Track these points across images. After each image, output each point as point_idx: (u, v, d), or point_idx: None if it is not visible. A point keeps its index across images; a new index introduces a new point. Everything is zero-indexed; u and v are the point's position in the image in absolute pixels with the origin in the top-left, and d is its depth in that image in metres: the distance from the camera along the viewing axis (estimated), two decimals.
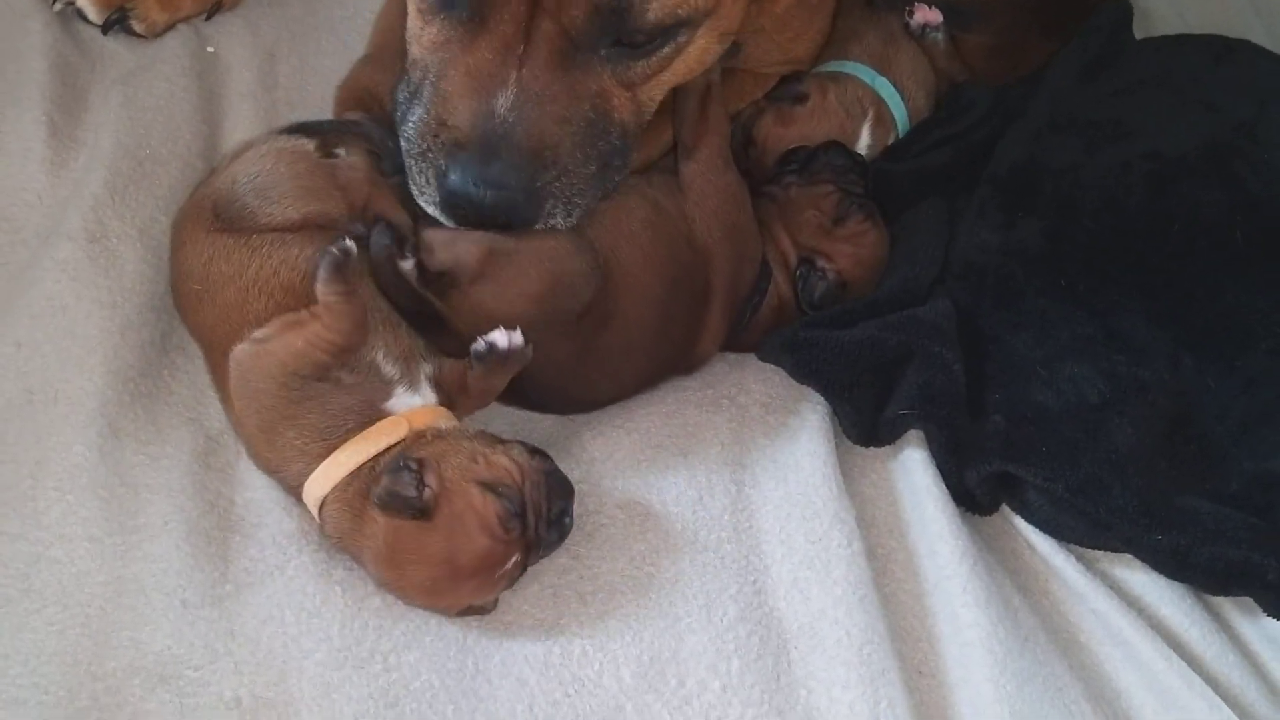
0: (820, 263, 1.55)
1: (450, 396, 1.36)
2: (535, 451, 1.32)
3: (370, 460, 1.26)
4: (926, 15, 1.74)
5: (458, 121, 1.24)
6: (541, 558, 1.32)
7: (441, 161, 1.26)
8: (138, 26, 1.64)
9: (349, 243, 1.23)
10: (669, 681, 1.30)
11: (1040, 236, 1.60)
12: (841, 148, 1.62)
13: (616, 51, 1.26)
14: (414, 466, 1.24)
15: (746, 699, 1.30)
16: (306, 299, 1.27)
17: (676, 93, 1.50)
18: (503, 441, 1.32)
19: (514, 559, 1.26)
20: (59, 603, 1.21)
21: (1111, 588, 1.46)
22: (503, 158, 1.23)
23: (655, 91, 1.38)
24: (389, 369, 1.31)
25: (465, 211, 1.28)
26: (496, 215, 1.27)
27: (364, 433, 1.27)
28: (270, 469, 1.33)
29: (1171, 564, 1.43)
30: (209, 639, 1.23)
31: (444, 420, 1.32)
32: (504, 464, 1.28)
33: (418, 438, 1.28)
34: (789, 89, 1.69)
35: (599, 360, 1.44)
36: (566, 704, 1.28)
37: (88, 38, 1.65)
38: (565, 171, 1.29)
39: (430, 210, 1.32)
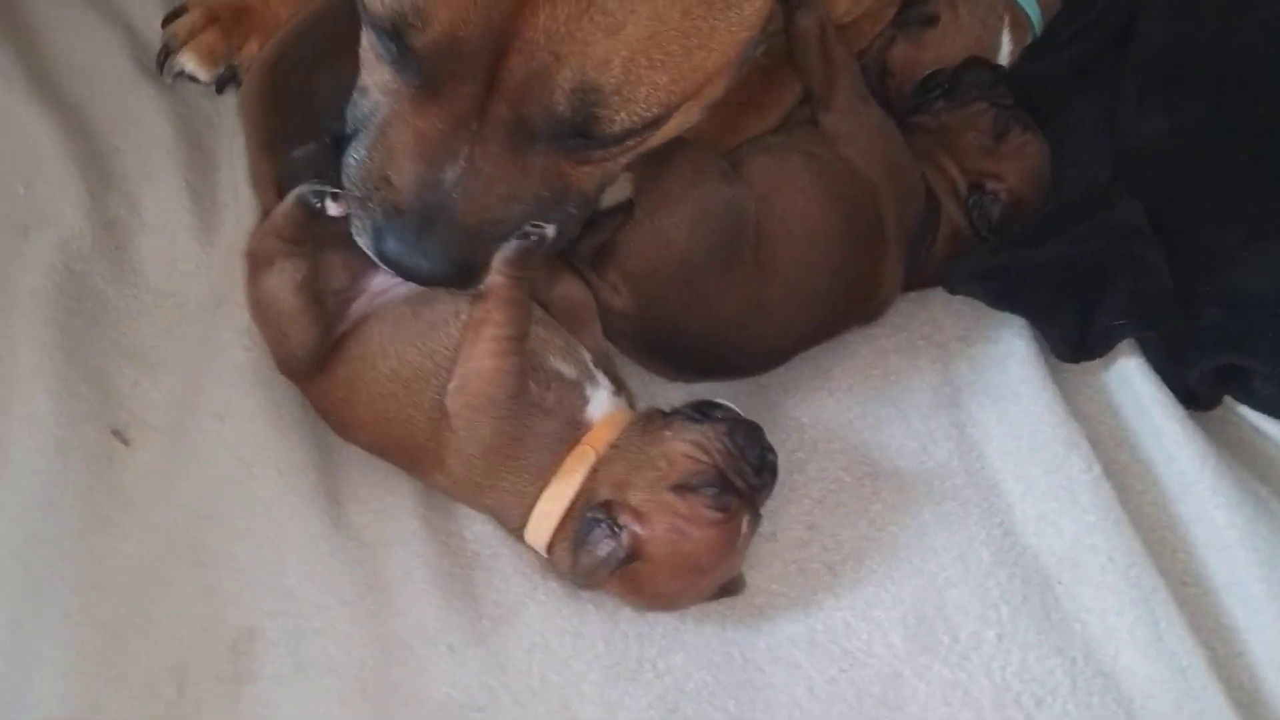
0: (990, 184, 1.49)
1: (607, 366, 1.33)
2: (701, 412, 1.28)
3: (575, 498, 1.24)
4: None
5: (400, 183, 1.15)
6: (766, 499, 1.28)
7: (379, 220, 1.18)
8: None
9: (549, 229, 1.18)
10: (941, 639, 1.28)
11: (1207, 115, 1.53)
12: (982, 63, 1.56)
13: (579, 141, 1.14)
14: (601, 516, 1.20)
15: (1024, 642, 1.27)
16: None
17: (793, 44, 1.44)
18: (667, 420, 1.28)
19: (745, 524, 1.23)
20: (333, 672, 1.20)
21: None
22: (439, 231, 1.15)
23: (625, 159, 1.25)
24: (567, 369, 1.28)
25: (398, 270, 1.21)
26: (428, 282, 1.21)
27: (559, 473, 1.24)
28: (488, 511, 1.31)
29: None
30: (483, 678, 1.22)
31: (619, 427, 1.27)
32: (683, 452, 1.24)
33: (603, 465, 1.25)
34: (916, 12, 1.62)
35: (774, 311, 1.39)
36: (844, 679, 1.26)
37: (194, 95, 1.62)
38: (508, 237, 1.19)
39: (365, 249, 1.23)
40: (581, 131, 1.11)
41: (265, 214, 1.42)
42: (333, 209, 1.21)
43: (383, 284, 1.30)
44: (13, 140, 1.48)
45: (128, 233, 1.45)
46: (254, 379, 1.34)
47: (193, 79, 1.59)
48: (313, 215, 1.22)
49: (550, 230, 1.19)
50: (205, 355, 1.38)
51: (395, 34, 1.08)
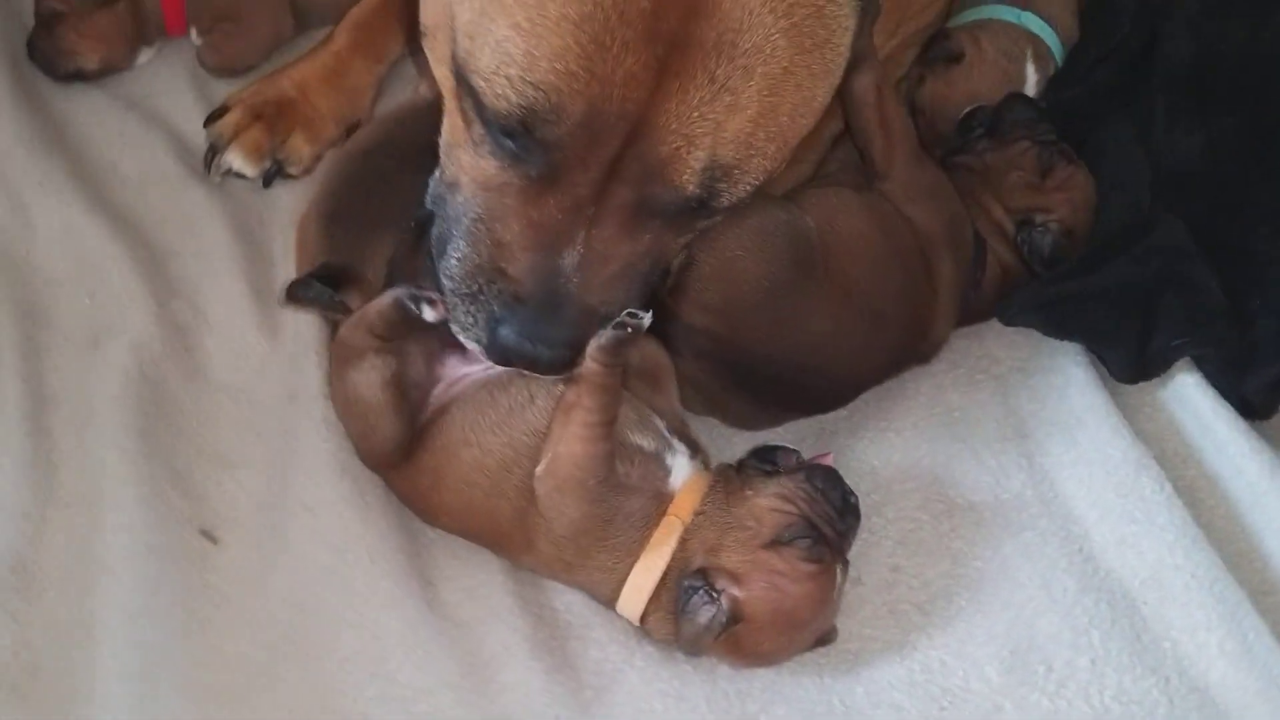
0: (1039, 218, 1.52)
1: (684, 434, 1.35)
2: (771, 461, 1.31)
3: (667, 568, 1.25)
4: None
5: (518, 273, 1.16)
6: (851, 543, 1.30)
7: (496, 309, 1.18)
8: (293, 170, 1.63)
9: (645, 319, 1.20)
10: (1037, 670, 1.30)
11: (1240, 127, 1.56)
12: (1023, 98, 1.59)
13: (694, 214, 1.17)
14: (699, 584, 1.22)
15: (1118, 665, 1.30)
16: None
17: (849, 107, 1.45)
18: (744, 477, 1.30)
19: (838, 573, 1.25)
20: None
21: None
22: (562, 316, 1.17)
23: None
24: (646, 442, 1.30)
25: (514, 362, 1.21)
26: (547, 370, 1.21)
27: (649, 547, 1.26)
28: (578, 587, 1.33)
29: None
30: None
31: (700, 492, 1.28)
32: (769, 507, 1.25)
33: (691, 532, 1.26)
34: (940, 49, 1.66)
35: (854, 331, 1.41)
36: (945, 718, 1.28)
37: (243, 191, 1.64)
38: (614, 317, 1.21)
39: (471, 347, 1.24)
40: (701, 206, 1.14)
41: (299, 258, 1.47)
42: (429, 314, 1.22)
43: (457, 372, 1.33)
44: (73, 252, 1.51)
45: (195, 334, 1.48)
46: (337, 469, 1.36)
47: (240, 175, 1.62)
48: (409, 318, 1.24)
49: (646, 320, 1.20)
50: (285, 449, 1.41)
51: (524, 129, 1.09)
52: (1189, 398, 1.47)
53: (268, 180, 1.63)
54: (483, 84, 1.08)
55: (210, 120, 1.64)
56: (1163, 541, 1.35)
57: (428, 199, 1.28)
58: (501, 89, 1.07)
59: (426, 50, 1.25)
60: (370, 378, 1.27)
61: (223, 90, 1.70)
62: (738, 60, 1.05)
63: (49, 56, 1.66)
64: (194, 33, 1.71)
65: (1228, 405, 1.45)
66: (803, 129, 1.16)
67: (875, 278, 1.40)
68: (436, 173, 1.27)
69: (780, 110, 1.10)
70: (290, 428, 1.41)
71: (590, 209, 1.13)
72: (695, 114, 1.06)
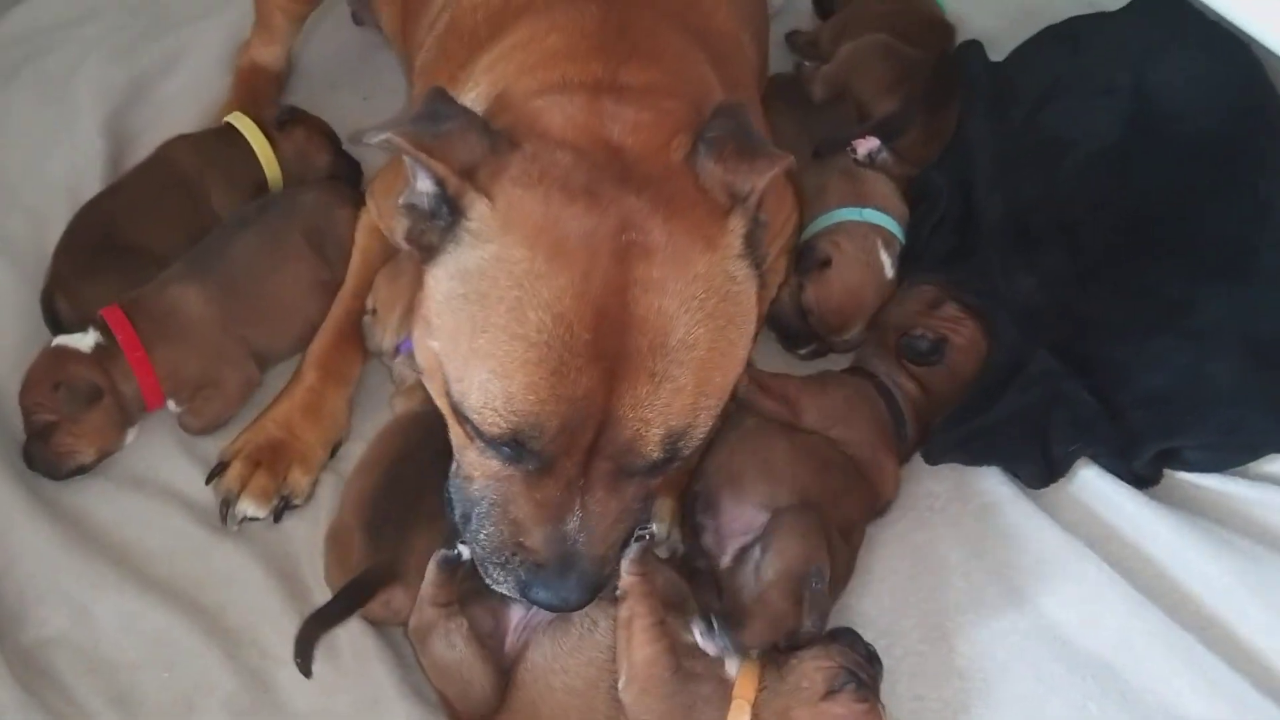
0: (916, 331, 1.83)
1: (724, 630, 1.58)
2: (803, 631, 1.55)
3: None
4: (868, 144, 2.06)
5: (534, 544, 1.42)
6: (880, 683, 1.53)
7: (523, 575, 1.44)
8: (298, 501, 1.83)
9: (654, 527, 1.45)
10: None
11: (1061, 264, 1.93)
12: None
13: (663, 465, 1.43)
14: None
15: None
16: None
17: (752, 394, 1.76)
18: (785, 654, 1.53)
19: (882, 711, 1.48)
20: None
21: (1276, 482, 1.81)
22: (576, 569, 1.42)
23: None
24: (697, 639, 1.54)
25: (550, 609, 1.47)
26: (576, 608, 1.47)
27: None
28: None
29: None
30: None
31: (755, 674, 1.50)
32: (815, 666, 1.49)
33: (760, 708, 1.47)
34: (811, 259, 1.97)
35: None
36: None
37: (255, 529, 1.81)
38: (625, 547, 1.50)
39: (510, 594, 1.48)
40: (666, 461, 1.40)
41: (337, 570, 1.67)
42: (466, 552, 1.48)
43: (522, 618, 1.56)
44: (137, 634, 1.66)
45: (269, 673, 1.65)
46: None
47: (253, 519, 1.80)
48: (454, 567, 1.49)
49: (654, 527, 1.48)
50: None
51: (515, 443, 1.35)
52: (1094, 486, 1.78)
53: (277, 516, 1.81)
54: (476, 416, 1.36)
55: (212, 476, 1.83)
56: (1117, 612, 1.65)
57: (449, 486, 1.53)
58: (491, 419, 1.34)
59: (426, 384, 1.51)
60: (451, 640, 1.50)
61: (209, 444, 1.89)
62: (670, 356, 1.32)
63: (50, 462, 1.80)
64: (171, 404, 1.89)
65: (1124, 484, 1.77)
66: (735, 377, 1.44)
67: (825, 487, 1.68)
68: (454, 467, 1.52)
69: (713, 378, 1.38)
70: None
71: (580, 481, 1.39)
72: (645, 403, 1.33)
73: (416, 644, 1.56)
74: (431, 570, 1.52)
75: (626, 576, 1.47)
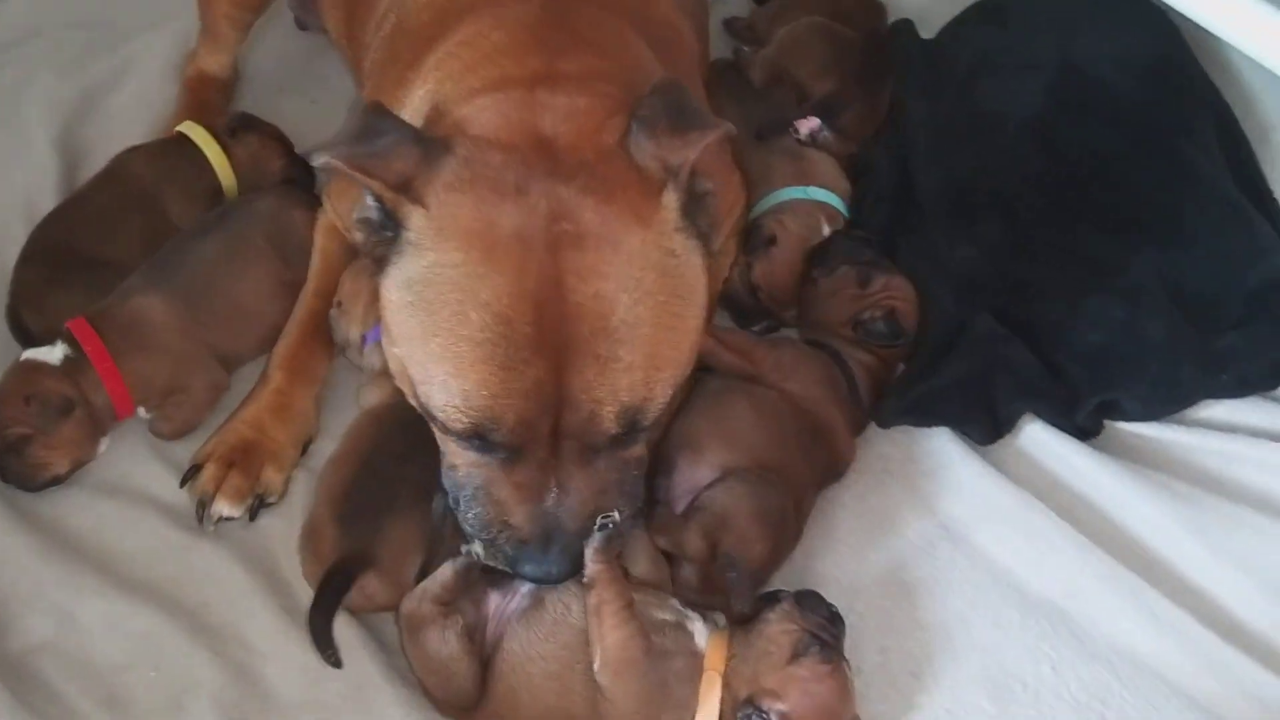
0: (866, 314, 1.89)
1: (692, 604, 1.65)
2: (767, 595, 1.62)
3: (721, 712, 1.52)
4: (809, 124, 2.13)
5: (517, 523, 1.50)
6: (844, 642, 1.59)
7: (510, 552, 1.52)
8: (272, 499, 1.86)
9: (616, 515, 1.51)
10: (1016, 690, 1.65)
11: (997, 234, 2.01)
12: (840, 235, 2.00)
13: (628, 437, 1.48)
14: (751, 710, 1.49)
15: (1073, 664, 1.67)
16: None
17: (710, 361, 1.81)
18: (750, 623, 1.59)
19: (846, 668, 1.55)
20: None
21: (1209, 427, 1.90)
22: (559, 542, 1.50)
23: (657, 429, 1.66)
24: (666, 615, 1.59)
25: (536, 581, 1.55)
26: (561, 579, 1.54)
27: (701, 702, 1.52)
28: None
29: (1238, 388, 1.86)
30: None
31: (724, 644, 1.56)
32: (780, 630, 1.55)
33: (730, 676, 1.53)
34: (758, 238, 2.03)
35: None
36: None
37: (230, 528, 1.84)
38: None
39: (508, 570, 1.56)
40: (630, 433, 1.47)
41: (313, 564, 1.71)
42: (480, 550, 1.55)
43: (498, 607, 1.61)
44: (123, 636, 1.69)
45: (256, 668, 1.68)
46: None
47: (229, 519, 1.84)
48: (474, 576, 1.56)
49: (617, 515, 1.53)
50: None
51: (479, 437, 1.42)
52: (1039, 439, 1.87)
53: (253, 515, 1.85)
54: (441, 414, 1.44)
55: (186, 479, 1.86)
56: (1067, 558, 1.73)
57: (442, 475, 1.59)
58: (454, 416, 1.42)
59: (399, 385, 1.58)
60: (446, 635, 1.55)
61: (181, 448, 1.92)
62: (613, 337, 1.38)
63: (24, 474, 1.82)
64: (141, 410, 1.93)
65: (1067, 436, 1.86)
66: (690, 347, 1.50)
67: (783, 451, 1.75)
68: (442, 455, 1.59)
69: (662, 352, 1.43)
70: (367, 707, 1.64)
71: (552, 461, 1.47)
72: (595, 385, 1.39)
73: (407, 634, 1.61)
74: (447, 573, 1.58)
75: (591, 565, 1.52)
